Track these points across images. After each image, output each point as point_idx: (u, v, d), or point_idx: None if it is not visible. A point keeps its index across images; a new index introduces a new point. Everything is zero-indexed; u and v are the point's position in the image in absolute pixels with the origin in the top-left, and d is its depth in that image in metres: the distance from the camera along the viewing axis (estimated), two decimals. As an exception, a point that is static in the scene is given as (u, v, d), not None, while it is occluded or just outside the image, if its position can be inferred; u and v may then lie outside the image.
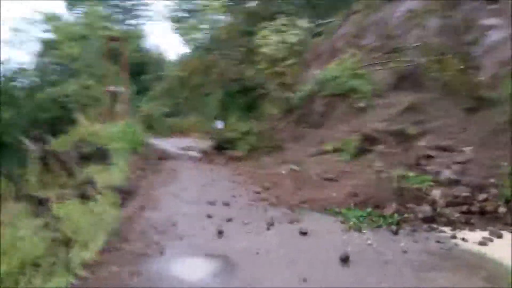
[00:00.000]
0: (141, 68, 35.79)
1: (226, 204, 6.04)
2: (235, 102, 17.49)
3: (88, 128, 9.23)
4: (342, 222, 5.32)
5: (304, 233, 4.79)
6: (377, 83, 10.80)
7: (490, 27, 9.94)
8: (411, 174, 6.73)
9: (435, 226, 5.52)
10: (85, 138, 8.23)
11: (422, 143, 7.81)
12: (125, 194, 5.73)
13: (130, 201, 5.72)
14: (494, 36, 9.45)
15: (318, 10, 22.86)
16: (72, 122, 10.35)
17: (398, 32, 12.10)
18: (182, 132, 21.35)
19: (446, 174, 6.65)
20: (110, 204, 4.97)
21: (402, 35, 12.09)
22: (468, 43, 9.79)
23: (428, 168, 7.05)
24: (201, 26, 29.82)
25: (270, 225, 5.07)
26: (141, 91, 32.48)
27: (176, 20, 35.80)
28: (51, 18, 27.70)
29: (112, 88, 13.35)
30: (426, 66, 9.64)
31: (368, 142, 8.19)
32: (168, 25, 42.49)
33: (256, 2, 20.56)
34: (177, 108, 24.28)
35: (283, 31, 14.72)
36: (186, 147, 13.98)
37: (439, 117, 8.35)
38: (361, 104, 9.89)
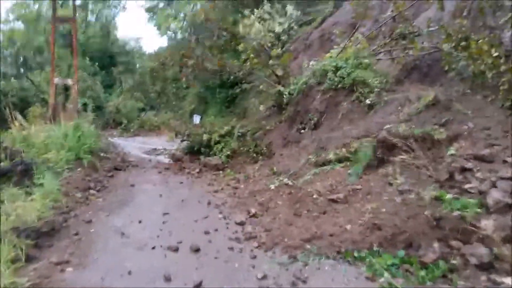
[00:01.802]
0: (112, 60, 33.86)
1: (195, 250, 4.33)
2: (215, 97, 16.01)
3: (20, 131, 7.37)
4: (368, 278, 3.70)
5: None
6: (387, 74, 9.29)
7: (521, 8, 8.54)
8: (447, 196, 5.19)
9: (495, 276, 4.00)
10: (13, 145, 6.40)
11: (454, 151, 6.26)
12: (42, 236, 4.00)
13: (47, 249, 3.98)
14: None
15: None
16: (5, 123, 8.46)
17: (406, 15, 10.53)
18: (153, 129, 19.54)
19: (495, 195, 5.11)
20: (8, 261, 3.24)
21: (411, 19, 10.59)
22: (495, 28, 8.27)
23: (467, 186, 5.50)
24: (179, 15, 28.33)
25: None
26: (111, 84, 30.57)
27: (151, 9, 34.10)
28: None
29: (58, 80, 11.41)
30: (447, 53, 8.12)
31: (385, 149, 6.60)
32: (143, 15, 40.65)
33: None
34: (150, 103, 22.49)
35: (268, 19, 13.33)
36: (155, 150, 12.14)
37: (472, 118, 6.82)
38: (370, 100, 8.33)
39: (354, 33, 12.60)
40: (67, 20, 11.96)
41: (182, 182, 8.06)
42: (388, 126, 7.30)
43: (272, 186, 6.73)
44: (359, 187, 6.03)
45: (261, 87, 10.45)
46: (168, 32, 31.15)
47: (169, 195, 6.91)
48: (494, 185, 5.33)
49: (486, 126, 6.51)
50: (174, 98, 18.03)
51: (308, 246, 4.43)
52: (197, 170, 9.18)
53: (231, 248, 4.35)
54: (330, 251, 4.31)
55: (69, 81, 11.42)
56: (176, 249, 4.32)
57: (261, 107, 10.23)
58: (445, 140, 6.49)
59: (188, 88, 18.26)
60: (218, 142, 9.70)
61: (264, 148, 8.89)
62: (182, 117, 18.51)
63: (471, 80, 7.57)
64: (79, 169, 7.32)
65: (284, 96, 9.65)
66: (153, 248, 4.37)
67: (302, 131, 8.85)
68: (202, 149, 10.00)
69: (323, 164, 7.15)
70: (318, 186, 6.27)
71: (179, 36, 27.91)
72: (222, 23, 12.04)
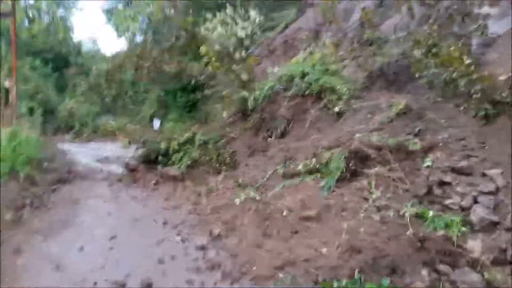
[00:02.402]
0: (67, 62, 32.02)
1: (147, 285, 3.57)
2: (176, 101, 15.22)
3: None
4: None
5: None
6: (355, 81, 8.92)
7: (487, 17, 8.47)
8: (429, 213, 4.77)
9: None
10: None
11: (430, 162, 5.89)
12: None
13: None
14: (495, 27, 7.89)
15: (270, 2, 22.01)
16: None
17: (374, 21, 10.27)
18: (109, 135, 18.32)
19: (479, 213, 4.75)
20: None
21: (379, 26, 10.38)
22: (465, 35, 8.11)
23: (448, 202, 5.12)
24: (137, 16, 27.28)
25: None
26: (65, 87, 28.80)
27: (109, 10, 32.71)
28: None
29: (-9, 81, 10.19)
30: (417, 60, 7.85)
31: (358, 160, 6.13)
32: (102, 16, 38.94)
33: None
34: (106, 107, 21.17)
35: (231, 23, 12.81)
36: (107, 158, 11.11)
37: (445, 127, 6.51)
38: (339, 108, 7.89)
39: (319, 38, 12.31)
40: (6, 15, 10.78)
41: (135, 197, 7.21)
42: (359, 135, 6.87)
43: (238, 201, 6.06)
44: (332, 202, 5.51)
45: (224, 92, 9.78)
46: (126, 33, 29.85)
47: (119, 213, 6.07)
48: (475, 201, 5.00)
49: (461, 137, 6.21)
50: (132, 102, 17.00)
51: (280, 275, 3.81)
52: (154, 181, 8.33)
53: (190, 282, 3.64)
54: (306, 280, 3.70)
55: (6, 83, 10.18)
56: (123, 285, 3.55)
57: (225, 114, 9.57)
58: (420, 151, 6.12)
59: (148, 92, 17.37)
60: (177, 151, 8.90)
61: (228, 158, 8.21)
62: (141, 121, 17.50)
63: (442, 88, 7.31)
64: (13, 183, 6.30)
65: (249, 102, 9.04)
66: (95, 284, 3.57)
67: (269, 139, 8.29)
68: (160, 158, 9.14)
69: (292, 176, 6.58)
70: (288, 201, 5.69)
71: (138, 38, 26.80)
72: (181, 23, 11.29)
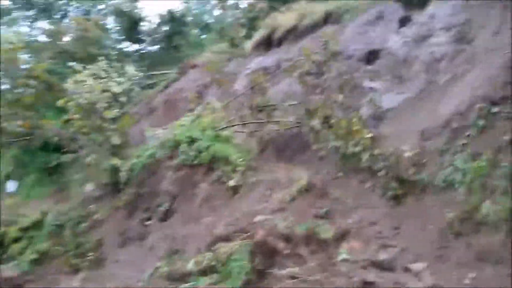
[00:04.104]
0: None
1: None
2: (35, 161, 12.75)
3: None
4: None
5: None
6: (249, 150, 8.01)
7: (373, 90, 8.62)
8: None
9: None
10: None
11: (346, 255, 4.98)
12: None
13: None
14: (388, 100, 7.94)
15: (150, 59, 21.57)
16: None
17: (263, 87, 9.72)
18: None
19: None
20: None
21: (267, 91, 9.86)
22: (351, 107, 7.94)
23: (377, 309, 4.19)
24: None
25: None
26: None
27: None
28: None
29: None
30: (315, 131, 7.32)
31: (265, 256, 4.92)
32: None
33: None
34: None
35: (104, 77, 11.19)
36: None
37: (354, 208, 5.82)
38: (234, 181, 6.74)
39: (205, 100, 11.39)
40: None
41: None
42: (260, 217, 5.76)
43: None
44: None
45: (89, 158, 7.82)
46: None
47: None
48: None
49: (373, 220, 5.56)
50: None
51: None
52: (-24, 288, 5.76)
53: None
54: None
55: None
56: None
57: (89, 186, 7.57)
58: (332, 239, 5.22)
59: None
60: (18, 239, 6.48)
61: (91, 250, 6.17)
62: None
63: (342, 162, 6.78)
64: None
65: (122, 172, 7.31)
66: None
67: (148, 222, 6.64)
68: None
69: (181, 279, 5.02)
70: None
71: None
72: (29, 70, 9.13)
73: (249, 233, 5.32)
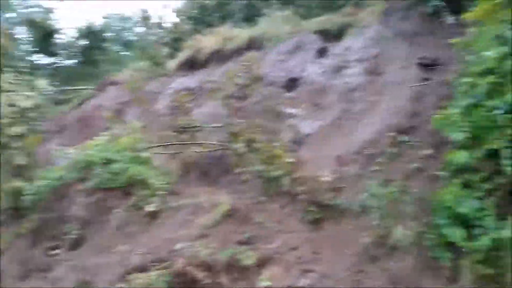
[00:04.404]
0: None
1: None
2: None
3: None
4: None
5: None
6: (169, 173, 7.72)
7: (292, 116, 8.93)
8: None
9: None
10: None
11: (267, 281, 4.93)
12: None
13: None
14: (307, 126, 8.26)
15: (65, 74, 20.33)
16: None
17: (186, 108, 9.57)
18: None
19: None
20: None
21: (191, 112, 9.72)
22: (278, 133, 8.12)
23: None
24: None
25: None
26: None
27: None
28: None
29: None
30: (239, 154, 7.30)
31: (182, 285, 4.66)
32: None
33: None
34: None
35: (11, 90, 10.21)
36: None
37: (276, 233, 5.83)
38: (153, 206, 6.40)
39: (123, 119, 10.86)
40: None
41: None
42: (181, 245, 5.52)
43: None
44: None
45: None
46: None
47: None
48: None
49: (294, 245, 5.61)
50: None
51: None
52: None
53: None
54: None
55: None
56: None
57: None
58: (254, 266, 5.16)
59: None
60: None
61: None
62: None
63: (264, 186, 6.82)
64: None
65: (26, 196, 6.56)
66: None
67: (55, 251, 5.97)
68: None
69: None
70: None
71: None
72: None
73: (167, 262, 5.06)
